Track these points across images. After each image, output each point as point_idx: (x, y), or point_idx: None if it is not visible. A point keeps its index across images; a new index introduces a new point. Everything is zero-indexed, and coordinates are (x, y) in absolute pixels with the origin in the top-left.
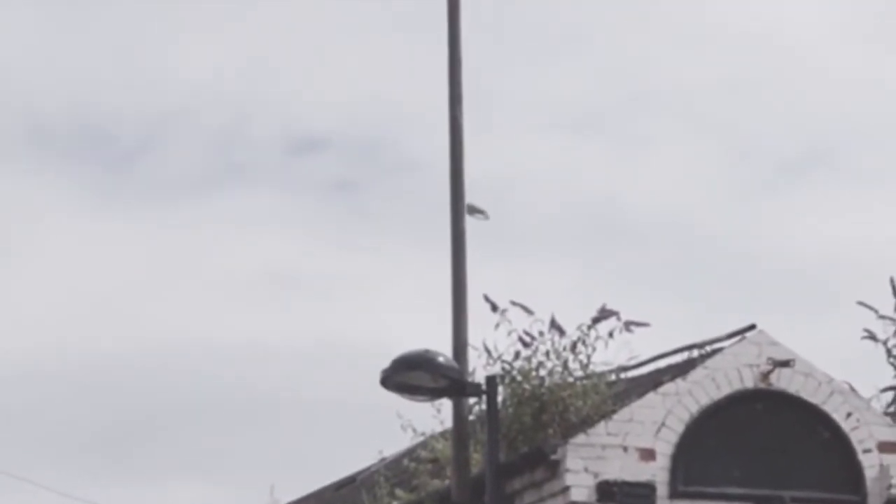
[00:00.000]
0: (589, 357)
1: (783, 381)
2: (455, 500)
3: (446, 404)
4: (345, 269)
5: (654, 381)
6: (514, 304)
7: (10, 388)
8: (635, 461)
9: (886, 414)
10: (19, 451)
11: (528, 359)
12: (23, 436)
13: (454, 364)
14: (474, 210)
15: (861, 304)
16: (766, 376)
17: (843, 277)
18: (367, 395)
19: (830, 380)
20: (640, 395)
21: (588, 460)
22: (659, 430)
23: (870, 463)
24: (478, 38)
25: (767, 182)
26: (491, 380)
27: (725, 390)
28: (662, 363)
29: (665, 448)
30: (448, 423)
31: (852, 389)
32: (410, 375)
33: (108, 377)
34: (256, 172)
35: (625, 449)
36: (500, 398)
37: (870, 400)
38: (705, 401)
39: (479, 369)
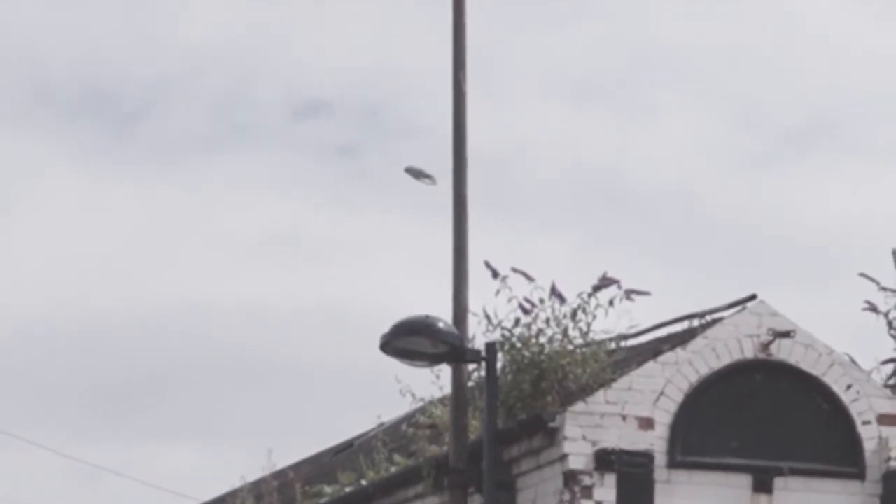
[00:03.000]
0: (589, 325)
1: (783, 351)
2: (453, 466)
3: (445, 370)
4: (346, 232)
5: (653, 350)
6: (514, 270)
7: (8, 347)
8: (634, 430)
9: (886, 386)
10: (17, 409)
11: (528, 326)
12: (21, 394)
13: (454, 330)
14: (420, 174)
15: (863, 275)
16: (766, 347)
17: (846, 249)
18: (367, 360)
19: (831, 351)
20: (640, 363)
21: (586, 428)
22: (658, 400)
23: (869, 435)
24: (481, 3)
25: (772, 152)
26: (490, 346)
27: (725, 360)
28: (662, 332)
29: (664, 417)
30: (447, 389)
31: (853, 361)
32: (410, 341)
33: (107, 337)
34: (259, 135)
35: (623, 418)
36: (499, 365)
37: (870, 372)
38: (705, 370)
39: (478, 336)
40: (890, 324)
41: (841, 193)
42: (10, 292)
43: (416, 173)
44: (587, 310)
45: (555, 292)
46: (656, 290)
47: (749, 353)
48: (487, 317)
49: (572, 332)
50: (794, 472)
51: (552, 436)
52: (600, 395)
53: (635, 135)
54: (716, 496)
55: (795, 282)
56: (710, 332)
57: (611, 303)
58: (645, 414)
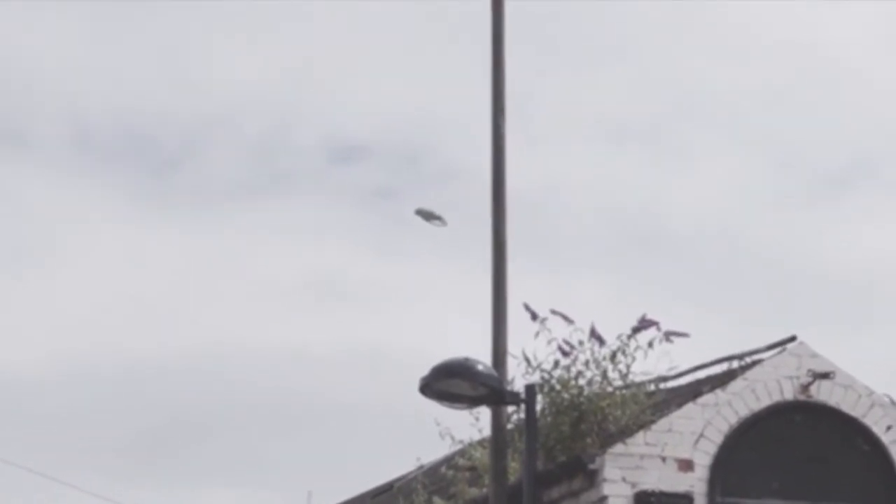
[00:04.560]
0: (628, 367)
1: (823, 393)
2: None
3: (485, 412)
4: (385, 276)
5: (693, 391)
6: (554, 312)
7: (53, 392)
8: (673, 472)
9: None
10: (59, 453)
11: (568, 368)
12: (62, 438)
13: (493, 372)
14: (431, 216)
15: None
16: (806, 388)
17: (885, 290)
18: (407, 403)
19: (871, 392)
20: (679, 405)
21: (626, 470)
22: (697, 441)
23: None
24: (520, 47)
25: (810, 193)
26: (530, 388)
27: (765, 402)
28: (702, 374)
29: (703, 459)
30: (486, 431)
31: (893, 402)
32: (450, 383)
33: (148, 382)
34: (298, 180)
35: (663, 459)
36: (538, 407)
37: None
38: (745, 412)
39: (518, 378)
40: None
41: (880, 235)
42: (52, 337)
43: (427, 215)
44: (626, 352)
45: (594, 334)
46: (695, 332)
47: (789, 394)
48: (527, 359)
49: (612, 374)
50: None
51: (592, 478)
52: (640, 437)
53: (672, 177)
54: None
55: (835, 323)
56: (749, 374)
57: (650, 345)
58: (685, 456)
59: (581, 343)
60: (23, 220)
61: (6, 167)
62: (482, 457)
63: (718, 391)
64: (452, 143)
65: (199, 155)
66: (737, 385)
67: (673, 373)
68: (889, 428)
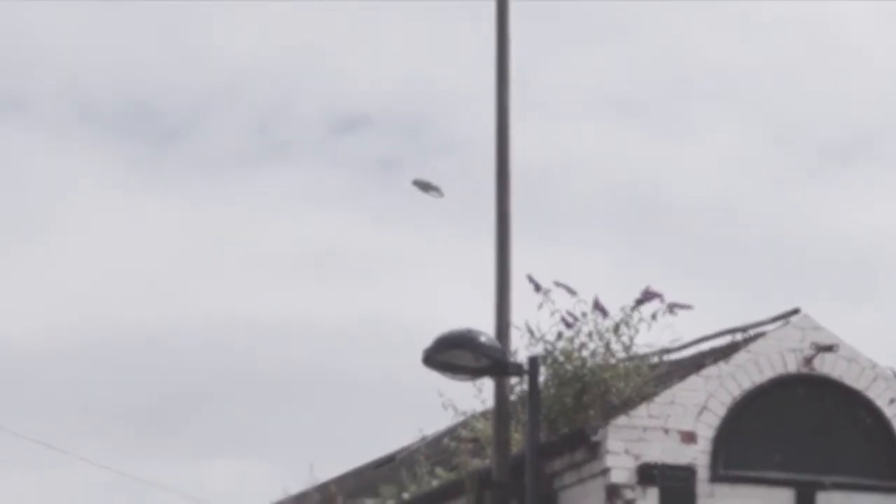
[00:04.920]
0: (631, 339)
1: (826, 365)
2: (495, 480)
3: (488, 384)
4: (387, 247)
5: (696, 363)
6: (557, 284)
7: (54, 363)
8: (676, 444)
9: None
10: (65, 425)
11: (571, 339)
12: (68, 410)
13: (496, 344)
14: (428, 187)
15: None
16: (809, 361)
17: (888, 263)
18: (409, 374)
19: (874, 365)
20: (683, 377)
21: (629, 442)
22: (700, 413)
23: None
24: (524, 20)
25: (812, 167)
26: (533, 360)
27: (768, 374)
28: (705, 346)
29: (706, 431)
30: (489, 402)
31: None
32: (452, 354)
33: (150, 353)
34: (299, 150)
35: (666, 431)
36: (541, 378)
37: None
38: (748, 384)
39: (521, 349)
40: None
41: (882, 208)
42: (55, 309)
43: (424, 186)
44: (630, 323)
45: (597, 306)
46: (698, 304)
47: (792, 367)
48: (530, 330)
49: (615, 346)
50: (837, 486)
51: (595, 450)
52: (643, 409)
53: (675, 150)
54: None
55: (838, 296)
56: (752, 347)
57: (653, 317)
58: (688, 428)
59: (584, 315)
60: (22, 190)
61: (6, 136)
62: (485, 428)
63: (722, 363)
64: (455, 115)
65: (200, 125)
66: (740, 357)
67: (676, 345)
68: (892, 401)
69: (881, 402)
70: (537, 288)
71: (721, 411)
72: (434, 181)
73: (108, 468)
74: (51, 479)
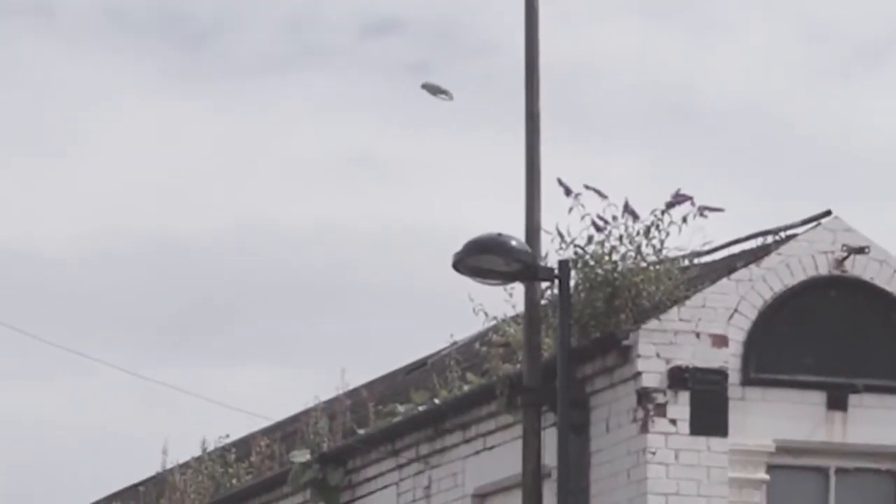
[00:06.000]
0: (662, 242)
1: (858, 267)
2: (526, 385)
3: (518, 288)
4: (417, 152)
5: (727, 266)
6: (587, 188)
7: (82, 270)
8: (707, 347)
9: None
10: (92, 331)
11: (602, 243)
12: (95, 316)
13: (527, 248)
14: (437, 90)
15: None
16: (840, 263)
17: None
18: (439, 279)
19: None
20: (714, 280)
21: (660, 346)
22: (732, 317)
23: None
24: None
25: (845, 66)
26: (563, 264)
27: (799, 277)
28: (736, 249)
29: (737, 334)
30: (520, 307)
31: None
32: (483, 259)
33: (181, 259)
34: (330, 54)
35: (697, 335)
36: (572, 283)
37: None
38: (779, 287)
39: (551, 253)
40: None
41: None
42: (82, 218)
43: (433, 89)
44: (661, 227)
45: (628, 209)
46: (729, 207)
47: (823, 269)
48: (560, 234)
49: (645, 250)
50: (869, 389)
51: (625, 354)
52: (674, 313)
53: (706, 51)
54: (790, 413)
55: (870, 197)
56: (784, 249)
57: (684, 220)
58: (719, 331)
59: (615, 218)
60: (50, 95)
61: (34, 41)
62: (516, 333)
63: (752, 266)
64: (486, 18)
65: (231, 29)
66: (771, 260)
67: (707, 248)
68: None
69: None
70: (567, 192)
71: (752, 314)
72: (442, 85)
73: (138, 375)
74: (81, 387)
